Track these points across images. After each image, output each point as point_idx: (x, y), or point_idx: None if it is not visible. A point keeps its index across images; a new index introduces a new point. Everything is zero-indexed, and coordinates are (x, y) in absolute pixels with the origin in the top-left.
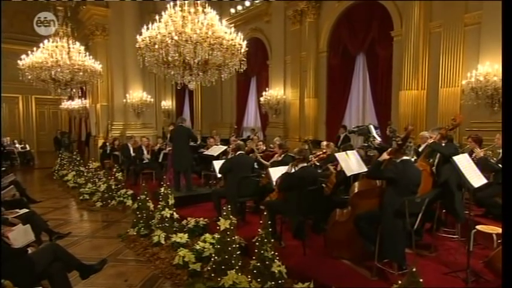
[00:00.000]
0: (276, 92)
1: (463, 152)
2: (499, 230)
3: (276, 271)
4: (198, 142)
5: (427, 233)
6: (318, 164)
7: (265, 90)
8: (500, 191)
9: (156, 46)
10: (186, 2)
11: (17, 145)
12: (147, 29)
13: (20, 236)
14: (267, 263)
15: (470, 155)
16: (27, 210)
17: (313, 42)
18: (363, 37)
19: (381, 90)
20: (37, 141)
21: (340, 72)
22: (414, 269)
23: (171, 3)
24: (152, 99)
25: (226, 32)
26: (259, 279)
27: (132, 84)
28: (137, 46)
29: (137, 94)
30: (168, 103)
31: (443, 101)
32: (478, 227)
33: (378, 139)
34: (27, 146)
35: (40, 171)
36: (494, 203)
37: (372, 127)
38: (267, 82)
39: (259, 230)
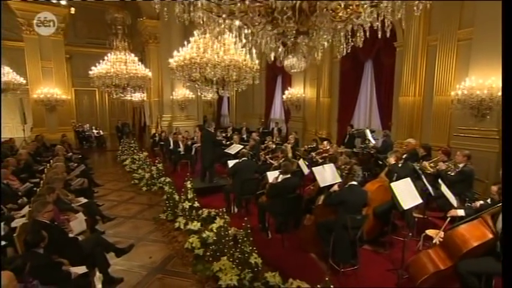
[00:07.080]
0: (296, 90)
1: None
2: (441, 234)
3: (253, 262)
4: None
5: (386, 234)
6: (320, 160)
7: (287, 89)
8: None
9: (184, 67)
10: (207, 29)
11: (93, 130)
12: (178, 51)
13: (77, 224)
14: (246, 255)
15: (435, 166)
16: (87, 200)
17: (328, 47)
18: (370, 45)
19: (385, 94)
20: (109, 125)
21: (350, 77)
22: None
23: (196, 31)
24: (193, 96)
25: (241, 53)
26: (240, 267)
27: (177, 82)
28: (169, 67)
29: (181, 92)
30: (210, 95)
31: (436, 108)
32: (427, 231)
33: (373, 141)
34: (101, 131)
35: (110, 153)
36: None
37: (367, 131)
38: (290, 81)
39: (241, 230)
